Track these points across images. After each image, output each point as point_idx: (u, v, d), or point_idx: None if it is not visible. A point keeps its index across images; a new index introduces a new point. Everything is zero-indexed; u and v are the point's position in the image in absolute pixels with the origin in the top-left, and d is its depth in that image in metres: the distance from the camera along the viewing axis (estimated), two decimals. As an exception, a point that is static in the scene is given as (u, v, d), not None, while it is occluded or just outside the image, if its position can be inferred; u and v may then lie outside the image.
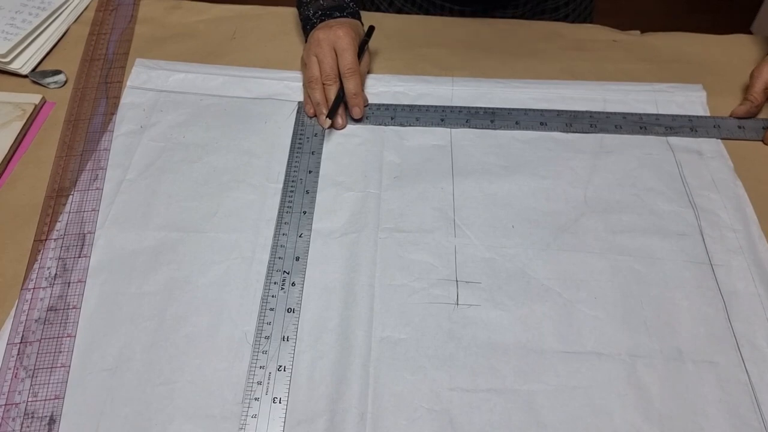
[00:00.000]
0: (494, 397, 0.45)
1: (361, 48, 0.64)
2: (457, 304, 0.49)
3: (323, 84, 0.62)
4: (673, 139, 0.62)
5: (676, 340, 0.47)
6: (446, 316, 0.49)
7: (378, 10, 0.84)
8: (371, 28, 0.67)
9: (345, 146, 0.61)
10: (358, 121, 0.63)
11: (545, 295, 0.50)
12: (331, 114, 0.60)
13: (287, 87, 0.66)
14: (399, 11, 0.82)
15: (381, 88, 0.66)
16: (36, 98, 0.63)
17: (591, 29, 0.74)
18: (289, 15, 0.75)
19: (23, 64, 0.67)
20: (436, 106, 0.64)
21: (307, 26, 0.67)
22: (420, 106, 0.64)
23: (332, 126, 0.62)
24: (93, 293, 0.49)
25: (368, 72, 0.67)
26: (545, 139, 0.62)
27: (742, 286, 0.51)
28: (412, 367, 0.46)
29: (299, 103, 0.65)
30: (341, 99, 0.62)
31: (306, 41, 0.66)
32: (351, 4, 0.68)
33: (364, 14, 0.71)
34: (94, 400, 0.44)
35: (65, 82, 0.67)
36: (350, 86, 0.61)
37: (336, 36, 0.62)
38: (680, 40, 0.73)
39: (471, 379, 0.45)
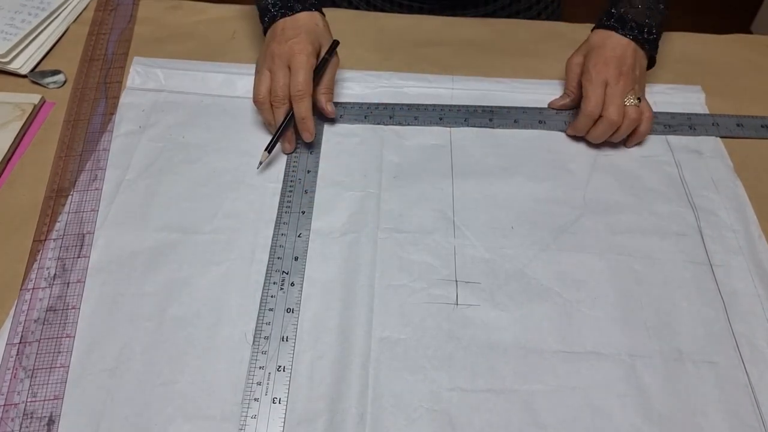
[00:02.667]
0: (494, 398, 0.45)
1: (322, 64, 0.60)
2: (457, 305, 0.49)
3: (272, 105, 0.58)
4: (673, 139, 0.62)
5: (676, 341, 0.47)
6: (446, 316, 0.49)
7: (335, 5, 0.82)
8: (335, 43, 0.62)
9: (344, 146, 0.61)
10: (309, 145, 0.60)
11: (545, 295, 0.50)
12: (271, 146, 0.57)
13: None
14: (356, 8, 0.81)
15: (381, 84, 0.66)
16: (35, 98, 0.63)
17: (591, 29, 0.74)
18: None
19: (22, 63, 0.67)
20: (434, 105, 0.64)
21: (265, 17, 0.62)
22: (419, 105, 0.64)
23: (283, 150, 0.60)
24: (93, 293, 0.49)
25: (334, 84, 0.62)
26: (545, 139, 0.62)
27: (742, 287, 0.51)
28: (412, 367, 0.46)
29: None
30: (289, 122, 0.58)
31: (264, 35, 0.62)
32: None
33: (345, 12, 0.70)
34: (94, 400, 0.44)
35: (65, 82, 0.67)
36: (299, 110, 0.57)
37: (291, 52, 0.57)
38: (680, 40, 0.73)
39: (470, 379, 0.45)
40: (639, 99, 0.59)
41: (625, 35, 0.59)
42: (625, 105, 0.58)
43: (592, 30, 0.63)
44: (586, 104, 0.58)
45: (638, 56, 0.60)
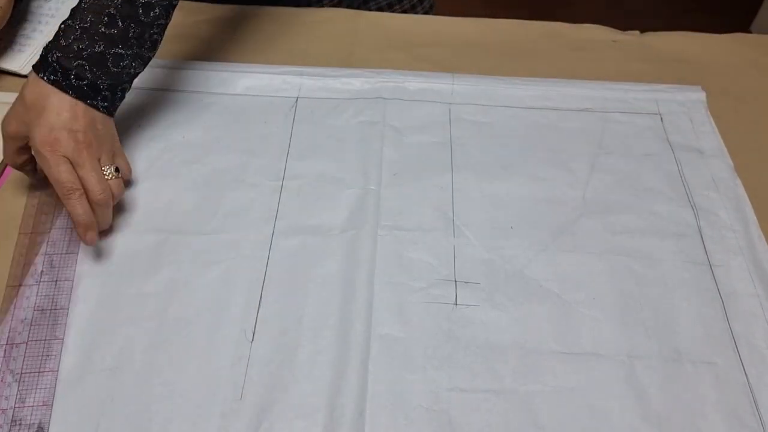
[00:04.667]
0: (493, 398, 0.45)
1: None
2: (456, 305, 0.49)
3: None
4: (673, 137, 0.62)
5: (675, 341, 0.48)
6: (445, 316, 0.49)
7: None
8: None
9: (344, 142, 0.61)
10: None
11: (544, 296, 0.50)
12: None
13: (285, 82, 0.66)
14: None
15: (381, 80, 0.66)
16: (36, 98, 0.63)
17: (591, 29, 0.74)
18: (289, 15, 0.75)
19: (23, 64, 0.67)
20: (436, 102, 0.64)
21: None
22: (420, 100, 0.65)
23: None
24: (93, 293, 0.49)
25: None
26: (545, 139, 0.62)
27: (741, 287, 0.51)
28: (411, 366, 0.46)
29: (297, 99, 0.65)
30: None
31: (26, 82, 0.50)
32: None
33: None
34: (94, 400, 0.44)
35: (65, 81, 0.67)
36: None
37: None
38: (680, 40, 0.73)
39: (470, 379, 0.45)
40: (117, 168, 0.51)
41: (69, 94, 0.48)
42: (107, 179, 0.50)
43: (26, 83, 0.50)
44: (89, 192, 0.48)
45: (91, 115, 0.50)
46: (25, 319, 0.47)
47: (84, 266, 0.51)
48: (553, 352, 0.47)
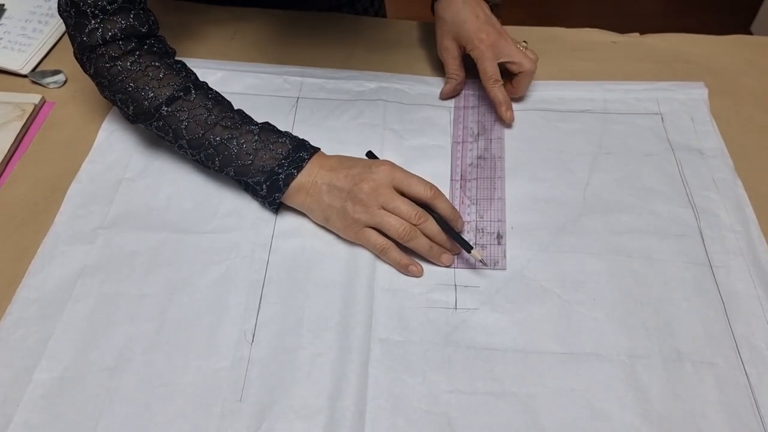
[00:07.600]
0: (493, 400, 0.44)
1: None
2: (456, 309, 0.49)
3: (416, 228, 0.50)
4: (674, 137, 0.62)
5: (675, 342, 0.47)
6: (445, 320, 0.49)
7: None
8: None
9: (344, 145, 0.61)
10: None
11: (544, 296, 0.50)
12: (461, 245, 0.51)
13: (286, 81, 0.66)
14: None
15: (382, 85, 0.66)
16: (36, 98, 0.63)
17: (590, 32, 0.74)
18: (288, 17, 0.74)
19: (23, 64, 0.67)
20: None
21: (278, 182, 0.52)
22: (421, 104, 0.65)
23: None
24: (93, 293, 0.49)
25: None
26: (545, 139, 0.62)
27: (742, 288, 0.51)
28: (411, 369, 0.46)
29: (298, 99, 0.65)
30: (446, 225, 0.51)
31: (276, 204, 0.53)
32: (304, 140, 0.55)
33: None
34: (94, 400, 0.44)
35: (65, 82, 0.67)
36: (444, 206, 0.52)
37: (383, 174, 0.51)
38: (680, 41, 0.73)
39: (469, 382, 0.45)
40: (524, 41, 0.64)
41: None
42: (525, 49, 0.63)
43: (432, 5, 0.65)
44: (524, 64, 0.61)
45: (486, 6, 0.64)
46: (471, 163, 0.58)
47: (86, 262, 0.51)
48: (553, 353, 0.47)
